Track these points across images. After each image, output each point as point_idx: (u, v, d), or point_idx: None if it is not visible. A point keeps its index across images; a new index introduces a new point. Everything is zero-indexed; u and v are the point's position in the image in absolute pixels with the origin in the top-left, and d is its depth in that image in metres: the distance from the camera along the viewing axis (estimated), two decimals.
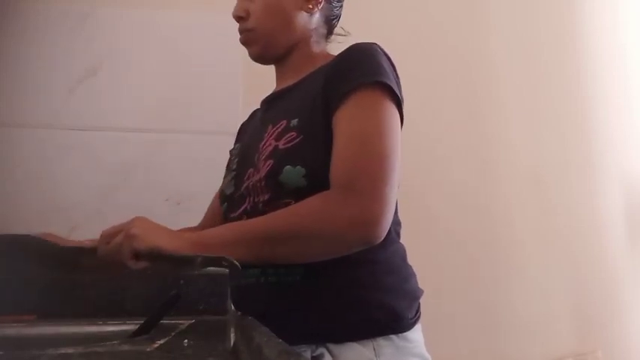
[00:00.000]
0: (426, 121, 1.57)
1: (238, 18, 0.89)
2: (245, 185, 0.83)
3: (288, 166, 0.75)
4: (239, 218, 0.83)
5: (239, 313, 0.78)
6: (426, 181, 1.53)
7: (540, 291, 1.61)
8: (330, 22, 0.94)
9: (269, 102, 0.93)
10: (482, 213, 1.58)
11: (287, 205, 0.73)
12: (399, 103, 0.77)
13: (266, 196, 0.78)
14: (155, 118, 1.32)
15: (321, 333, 0.73)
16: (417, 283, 0.83)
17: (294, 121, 0.78)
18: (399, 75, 0.82)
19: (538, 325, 1.58)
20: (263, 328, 0.60)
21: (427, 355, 0.79)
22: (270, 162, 0.77)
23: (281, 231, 0.69)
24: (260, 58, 0.91)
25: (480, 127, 1.64)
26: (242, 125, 1.06)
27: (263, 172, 0.78)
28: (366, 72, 0.75)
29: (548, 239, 1.66)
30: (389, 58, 0.81)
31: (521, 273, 1.60)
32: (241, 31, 0.89)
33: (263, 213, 0.76)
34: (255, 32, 0.88)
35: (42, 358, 0.50)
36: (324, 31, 0.93)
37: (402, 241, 0.84)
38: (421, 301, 0.82)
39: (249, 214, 0.81)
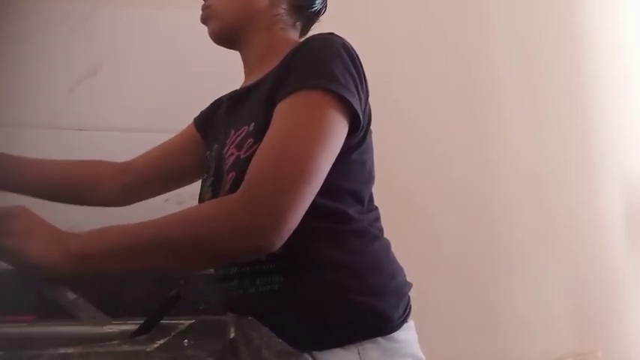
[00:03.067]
0: (426, 121, 1.57)
1: None
2: (220, 195, 0.80)
3: None
4: None
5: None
6: (425, 180, 1.53)
7: (540, 291, 1.61)
8: (301, 12, 0.89)
9: (233, 98, 0.89)
10: (482, 213, 1.58)
11: None
12: (348, 108, 0.70)
13: None
14: (155, 118, 1.32)
15: (304, 341, 0.69)
16: (404, 277, 0.80)
17: (252, 126, 0.75)
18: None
19: (538, 325, 1.58)
20: (263, 328, 0.60)
21: (419, 354, 0.76)
22: (233, 174, 0.74)
23: (166, 240, 0.63)
24: (218, 37, 0.87)
25: (480, 127, 1.64)
26: (208, 112, 1.01)
27: (227, 186, 0.75)
28: (309, 74, 0.69)
29: (548, 239, 1.66)
30: (349, 52, 0.73)
31: (521, 273, 1.60)
32: (203, 7, 0.87)
33: None
34: (213, 9, 0.85)
35: (42, 358, 0.50)
36: (293, 19, 0.88)
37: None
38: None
39: None
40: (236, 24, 0.85)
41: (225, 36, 0.87)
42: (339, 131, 0.69)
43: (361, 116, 0.72)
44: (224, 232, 0.62)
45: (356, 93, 0.70)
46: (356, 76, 0.72)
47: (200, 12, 0.89)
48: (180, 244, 0.63)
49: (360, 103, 0.72)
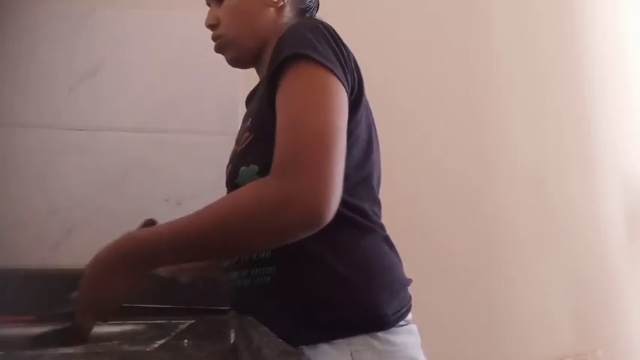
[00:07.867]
0: (426, 121, 1.57)
1: (210, 26, 0.89)
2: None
3: (242, 167, 0.74)
4: None
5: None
6: (425, 181, 1.53)
7: (540, 291, 1.61)
8: (301, 14, 0.91)
9: (248, 99, 0.97)
10: (483, 213, 1.58)
11: None
12: (333, 73, 0.69)
13: None
14: (155, 118, 1.32)
15: (293, 335, 0.65)
16: (400, 273, 0.78)
17: (249, 121, 0.79)
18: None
19: (538, 325, 1.58)
20: (263, 328, 0.60)
21: (419, 357, 0.74)
22: (230, 167, 0.79)
23: (212, 230, 0.63)
24: (236, 62, 0.90)
25: (480, 128, 1.64)
26: None
27: (226, 179, 0.79)
28: (288, 48, 0.70)
29: (548, 239, 1.66)
30: (326, 28, 0.73)
31: (521, 273, 1.60)
32: (213, 38, 0.89)
33: None
34: (225, 38, 0.87)
35: (42, 358, 0.50)
36: (295, 21, 0.88)
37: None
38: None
39: None
40: (253, 45, 0.87)
41: (245, 59, 0.89)
42: (337, 91, 0.69)
43: (346, 84, 0.70)
44: (269, 209, 0.61)
45: (337, 61, 0.70)
46: (335, 47, 0.72)
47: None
48: (225, 232, 0.63)
49: (344, 71, 0.71)
